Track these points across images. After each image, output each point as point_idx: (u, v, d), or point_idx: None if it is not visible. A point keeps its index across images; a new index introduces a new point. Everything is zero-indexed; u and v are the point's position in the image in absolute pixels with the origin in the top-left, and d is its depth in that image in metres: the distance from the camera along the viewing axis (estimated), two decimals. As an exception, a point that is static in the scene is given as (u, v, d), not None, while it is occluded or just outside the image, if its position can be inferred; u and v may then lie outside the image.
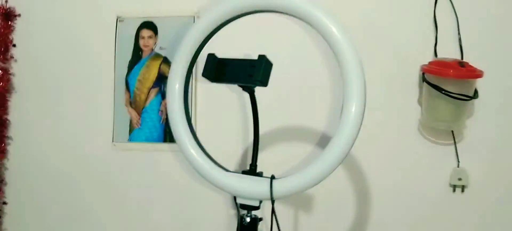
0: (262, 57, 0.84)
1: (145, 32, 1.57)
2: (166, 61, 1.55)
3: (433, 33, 1.35)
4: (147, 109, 1.58)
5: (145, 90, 1.58)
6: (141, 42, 1.58)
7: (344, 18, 0.92)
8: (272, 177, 0.88)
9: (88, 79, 1.60)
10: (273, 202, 0.88)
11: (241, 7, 0.88)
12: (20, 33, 1.63)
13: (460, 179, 1.37)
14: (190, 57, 0.98)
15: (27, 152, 1.65)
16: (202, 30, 0.95)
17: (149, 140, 1.57)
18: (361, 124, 0.83)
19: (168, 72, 1.51)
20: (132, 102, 1.58)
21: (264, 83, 0.85)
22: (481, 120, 1.35)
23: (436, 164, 1.38)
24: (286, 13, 0.85)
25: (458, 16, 1.34)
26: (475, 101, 1.30)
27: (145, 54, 1.58)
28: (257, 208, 0.92)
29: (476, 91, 1.29)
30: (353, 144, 0.83)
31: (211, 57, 0.92)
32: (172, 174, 1.56)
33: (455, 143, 1.37)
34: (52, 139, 1.63)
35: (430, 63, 1.33)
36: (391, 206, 1.42)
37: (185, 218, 1.57)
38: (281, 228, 0.94)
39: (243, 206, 0.93)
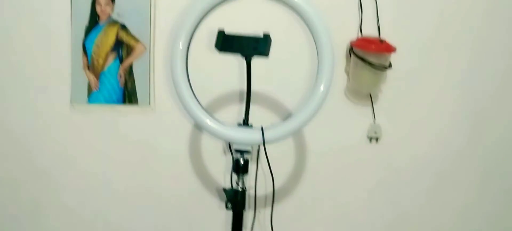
0: (266, 35, 1.08)
1: (102, -1, 1.65)
2: (123, 28, 1.64)
3: (359, 14, 1.66)
4: (105, 73, 1.67)
5: (103, 55, 1.66)
6: (98, 8, 1.64)
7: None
8: (262, 128, 1.13)
9: (44, 44, 1.62)
10: (265, 145, 1.13)
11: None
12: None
13: (375, 132, 1.71)
14: (193, 27, 1.15)
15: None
16: (202, 8, 1.13)
17: (108, 101, 1.67)
18: (327, 92, 1.09)
19: (125, 38, 1.64)
20: (90, 66, 1.66)
21: (267, 55, 1.09)
22: (392, 86, 1.67)
23: (357, 121, 1.70)
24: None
25: (377, 1, 1.66)
26: (389, 70, 1.63)
27: (102, 20, 1.65)
28: (249, 152, 1.17)
29: (390, 63, 1.64)
30: (321, 105, 1.10)
31: (220, 32, 1.12)
32: (131, 134, 1.69)
33: (372, 104, 1.69)
34: (8, 102, 1.65)
35: (357, 39, 1.63)
36: (321, 155, 1.72)
37: (144, 178, 1.72)
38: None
39: (238, 151, 1.16)
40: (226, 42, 1.13)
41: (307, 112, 1.14)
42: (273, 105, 1.66)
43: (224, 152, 1.68)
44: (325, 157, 1.73)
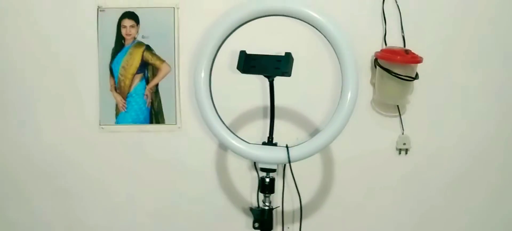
0: (288, 54, 1.08)
1: (127, 22, 1.67)
2: (148, 49, 1.68)
3: (383, 25, 1.64)
4: (132, 94, 1.70)
5: (130, 76, 1.70)
6: (123, 31, 1.68)
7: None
8: (287, 146, 1.13)
9: (72, 68, 1.68)
10: (290, 164, 1.13)
11: (257, 12, 1.09)
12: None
13: (404, 144, 1.67)
14: (215, 49, 1.16)
15: (15, 138, 1.71)
16: (225, 28, 1.14)
17: (135, 122, 1.71)
18: (353, 108, 1.08)
19: (151, 59, 1.67)
20: (117, 88, 1.70)
21: (289, 74, 1.09)
22: (420, 96, 1.64)
23: (385, 133, 1.67)
24: (296, 17, 1.08)
25: (401, 11, 1.62)
26: (416, 81, 1.58)
27: (127, 43, 1.69)
28: (274, 170, 1.17)
29: (417, 74, 1.60)
30: (347, 121, 1.08)
31: (242, 53, 1.12)
32: (158, 153, 1.71)
33: (400, 115, 1.66)
34: (39, 123, 1.70)
35: (381, 50, 1.61)
36: (350, 167, 1.70)
37: (171, 197, 1.74)
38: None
39: (263, 170, 1.17)
40: (248, 63, 1.12)
41: (333, 129, 1.12)
42: (298, 120, 1.66)
43: (250, 169, 1.68)
44: (353, 170, 1.71)
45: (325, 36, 1.10)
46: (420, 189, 1.72)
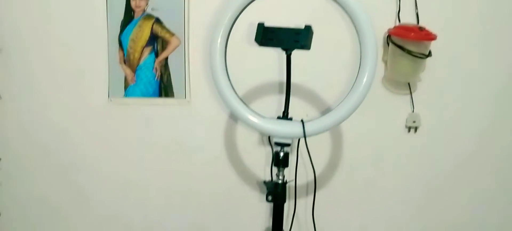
0: (308, 27, 1.05)
1: (137, -6, 1.66)
2: (158, 22, 1.66)
3: (396, 2, 1.61)
4: (141, 67, 1.69)
5: (139, 49, 1.68)
6: (133, 3, 1.66)
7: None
8: (302, 120, 1.12)
9: (81, 40, 1.66)
10: (305, 138, 1.12)
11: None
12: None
13: (414, 122, 1.66)
14: (232, 20, 1.14)
15: (22, 109, 1.70)
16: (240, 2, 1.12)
17: (145, 95, 1.69)
18: (370, 85, 1.07)
19: (160, 32, 1.65)
20: (126, 60, 1.68)
21: (308, 47, 1.07)
22: (431, 74, 1.63)
23: (395, 110, 1.67)
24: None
25: (416, -12, 1.62)
26: (428, 59, 1.58)
27: (137, 15, 1.66)
28: (289, 145, 1.16)
29: (430, 51, 1.59)
30: (364, 98, 1.07)
31: (260, 25, 1.10)
32: (167, 127, 1.70)
33: (411, 93, 1.65)
34: (48, 96, 1.69)
35: (395, 27, 1.59)
36: (360, 144, 1.70)
37: (181, 170, 1.74)
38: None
39: (278, 144, 1.16)
40: (266, 35, 1.11)
41: (349, 105, 1.12)
42: (310, 97, 1.65)
43: (261, 143, 1.68)
44: (362, 147, 1.71)
45: (346, 12, 1.08)
46: (428, 167, 1.72)
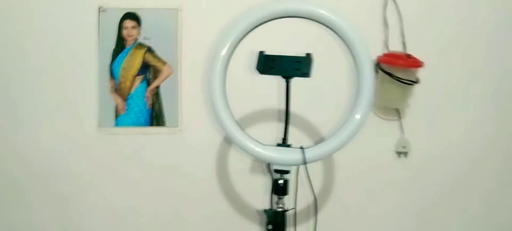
0: (309, 55, 1.07)
1: (128, 23, 1.65)
2: (150, 51, 1.66)
3: (384, 30, 1.66)
4: (132, 96, 1.67)
5: (130, 78, 1.67)
6: (124, 32, 1.66)
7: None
8: (302, 148, 1.13)
9: (72, 68, 1.64)
10: (306, 165, 1.12)
11: (274, 13, 1.09)
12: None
13: (404, 147, 1.70)
14: (232, 48, 1.15)
15: (11, 138, 1.66)
16: (241, 29, 1.13)
17: (135, 124, 1.68)
18: (368, 112, 1.09)
19: (152, 61, 1.65)
20: (117, 89, 1.67)
21: (309, 75, 1.09)
22: (420, 101, 1.66)
23: (385, 136, 1.70)
24: (314, 20, 1.08)
25: (402, 17, 1.66)
26: (416, 85, 1.61)
27: (128, 44, 1.66)
28: (288, 172, 1.16)
29: (417, 78, 1.63)
30: (363, 123, 1.09)
31: (261, 54, 1.12)
32: (159, 155, 1.68)
33: (400, 118, 1.70)
34: (37, 126, 1.66)
35: (383, 55, 1.64)
36: (351, 169, 1.71)
37: (172, 199, 1.71)
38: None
39: (277, 171, 1.16)
40: (268, 64, 1.12)
41: (348, 131, 1.14)
42: (304, 124, 1.66)
43: (252, 172, 1.68)
44: (353, 172, 1.72)
45: (342, 39, 1.11)
46: (419, 192, 1.74)
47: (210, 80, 1.19)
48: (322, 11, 1.10)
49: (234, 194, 1.70)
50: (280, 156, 1.19)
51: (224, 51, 1.16)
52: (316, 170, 1.70)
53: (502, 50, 1.70)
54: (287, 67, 1.12)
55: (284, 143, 1.23)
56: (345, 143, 1.15)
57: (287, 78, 1.14)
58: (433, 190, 1.75)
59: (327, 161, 1.71)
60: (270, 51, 1.15)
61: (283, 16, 1.14)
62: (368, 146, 1.71)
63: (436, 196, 1.75)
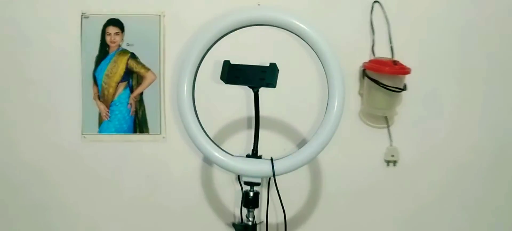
0: (273, 65, 1.04)
1: (112, 29, 1.64)
2: (133, 57, 1.64)
3: (371, 36, 1.62)
4: (116, 103, 1.66)
5: (113, 84, 1.66)
6: (108, 38, 1.65)
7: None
8: (272, 159, 1.10)
9: (54, 75, 1.63)
10: (274, 178, 1.09)
11: (242, 21, 1.06)
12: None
13: (392, 156, 1.64)
14: (197, 61, 1.13)
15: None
16: (209, 38, 1.11)
17: (119, 131, 1.67)
18: (339, 120, 1.05)
19: (135, 67, 1.64)
20: (101, 96, 1.66)
21: (274, 85, 1.05)
22: (408, 108, 1.62)
23: (373, 144, 1.65)
24: (278, 26, 1.05)
25: (389, 22, 1.61)
26: (404, 92, 1.57)
27: (112, 50, 1.65)
28: (259, 184, 1.13)
29: (405, 85, 1.58)
30: (334, 133, 1.05)
31: (226, 63, 1.09)
32: (142, 163, 1.67)
33: (388, 126, 1.64)
34: (19, 133, 1.65)
35: (369, 61, 1.59)
36: (337, 179, 1.67)
37: (154, 207, 1.69)
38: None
39: (247, 183, 1.13)
40: (232, 73, 1.08)
41: (318, 141, 1.10)
42: (285, 132, 1.63)
43: (236, 182, 1.64)
44: (340, 182, 1.68)
45: (309, 45, 1.07)
46: (408, 201, 1.69)
47: (178, 90, 1.17)
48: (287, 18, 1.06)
49: (217, 203, 1.67)
50: (248, 167, 1.16)
51: (191, 60, 1.13)
52: (302, 180, 1.67)
53: (491, 56, 1.64)
54: (252, 77, 1.08)
55: (254, 154, 1.20)
56: (317, 153, 1.11)
57: (253, 88, 1.11)
58: (422, 199, 1.69)
59: (315, 169, 1.67)
60: (239, 60, 1.12)
61: (253, 24, 1.11)
62: (356, 154, 1.66)
63: (426, 205, 1.69)
